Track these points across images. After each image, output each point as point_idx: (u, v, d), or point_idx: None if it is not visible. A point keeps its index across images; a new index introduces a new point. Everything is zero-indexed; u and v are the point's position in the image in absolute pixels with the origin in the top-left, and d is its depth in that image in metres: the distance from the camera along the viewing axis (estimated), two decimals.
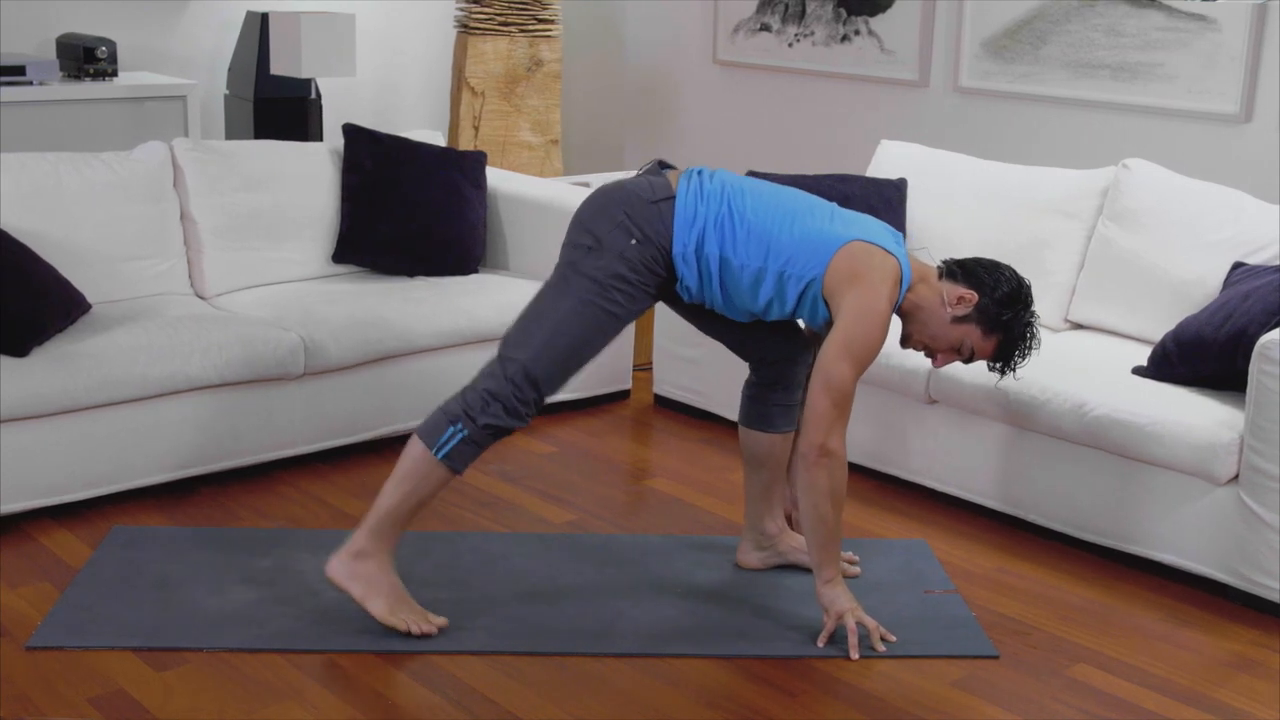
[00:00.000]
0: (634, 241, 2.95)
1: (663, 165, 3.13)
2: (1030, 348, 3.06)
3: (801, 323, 3.33)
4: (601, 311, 2.96)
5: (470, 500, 3.79)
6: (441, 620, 3.03)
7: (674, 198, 2.98)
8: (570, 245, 3.02)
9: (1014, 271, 3.06)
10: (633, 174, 3.15)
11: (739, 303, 3.04)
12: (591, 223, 3.00)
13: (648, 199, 2.99)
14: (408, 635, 2.98)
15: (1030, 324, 3.04)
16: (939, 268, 3.09)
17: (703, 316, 3.22)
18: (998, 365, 3.08)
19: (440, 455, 2.95)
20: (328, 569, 3.02)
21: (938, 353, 3.07)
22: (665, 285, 3.05)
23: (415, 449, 2.98)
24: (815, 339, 3.25)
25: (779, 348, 3.24)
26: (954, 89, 5.13)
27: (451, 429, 2.94)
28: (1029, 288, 3.06)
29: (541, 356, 2.94)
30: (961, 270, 3.05)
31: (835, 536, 2.97)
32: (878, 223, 3.06)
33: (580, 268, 2.97)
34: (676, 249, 2.97)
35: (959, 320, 3.01)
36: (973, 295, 3.00)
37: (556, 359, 2.96)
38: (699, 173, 3.05)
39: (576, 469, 4.09)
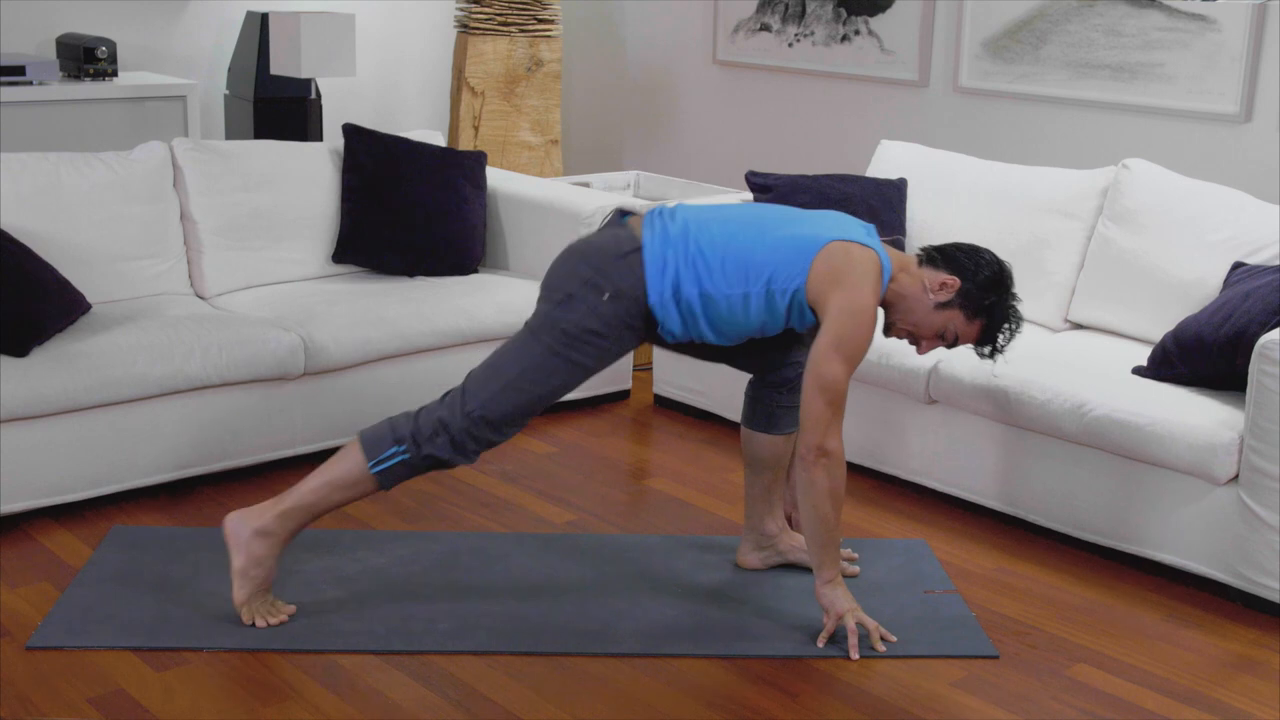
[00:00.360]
0: (606, 297, 2.95)
1: (623, 213, 3.12)
2: (1014, 329, 3.06)
3: None
4: (569, 363, 2.97)
5: (470, 500, 3.79)
6: (291, 608, 3.05)
7: (641, 248, 2.98)
8: (542, 301, 3.03)
9: (994, 255, 3.07)
10: (596, 228, 3.14)
11: (731, 331, 3.03)
12: (562, 281, 3.00)
13: (615, 254, 2.98)
14: (253, 626, 2.99)
15: (1013, 306, 3.05)
16: (918, 255, 3.09)
17: (694, 349, 3.21)
18: (984, 350, 3.08)
19: (375, 470, 2.97)
20: (226, 521, 3.01)
21: (922, 340, 3.07)
22: (644, 334, 3.04)
23: (354, 455, 2.99)
24: (814, 335, 3.25)
25: (779, 353, 3.23)
26: (954, 89, 5.13)
27: (395, 449, 2.96)
28: (1010, 270, 3.06)
29: (502, 401, 2.96)
30: (941, 256, 3.05)
31: (835, 536, 2.98)
32: (847, 217, 3.07)
33: (552, 320, 2.97)
34: (653, 299, 2.96)
35: (942, 306, 3.01)
36: (955, 281, 3.00)
37: (516, 405, 2.97)
38: (660, 214, 3.04)
39: (576, 469, 4.09)
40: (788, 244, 2.96)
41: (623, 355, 3.06)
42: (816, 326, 2.97)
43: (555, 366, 2.97)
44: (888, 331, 3.11)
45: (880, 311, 3.05)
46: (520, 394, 2.96)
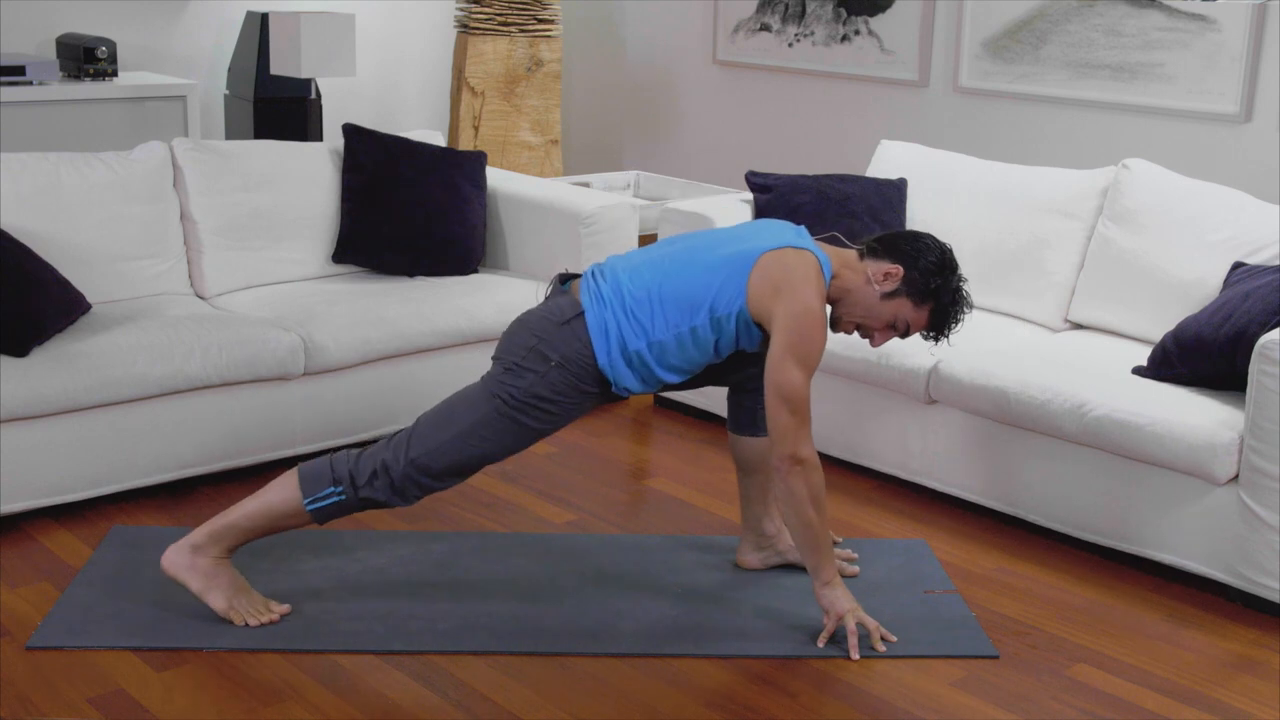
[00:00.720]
0: (553, 364, 2.95)
1: (564, 279, 3.12)
2: (962, 311, 3.05)
3: None
4: (518, 425, 2.97)
5: (470, 500, 3.79)
6: (284, 607, 3.04)
7: (582, 313, 2.98)
8: (495, 362, 3.03)
9: (935, 239, 3.06)
10: (542, 298, 3.15)
11: (688, 367, 3.04)
12: (508, 352, 3.00)
13: (558, 321, 2.98)
14: (245, 626, 2.99)
15: (959, 288, 3.04)
16: (859, 249, 3.08)
17: (664, 385, 3.19)
18: (932, 334, 3.08)
19: (310, 507, 2.98)
20: (163, 560, 3.02)
21: (874, 331, 3.06)
22: (599, 396, 3.04)
23: (289, 487, 2.99)
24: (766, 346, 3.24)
25: (747, 359, 3.21)
26: (954, 89, 5.13)
27: (331, 490, 2.97)
28: (951, 252, 3.06)
29: (448, 453, 2.96)
30: (882, 246, 3.05)
31: (824, 538, 2.97)
32: (776, 224, 3.06)
33: (503, 384, 2.97)
34: (601, 360, 2.96)
35: (889, 296, 3.01)
36: (898, 269, 3.00)
37: (462, 458, 2.97)
38: (593, 275, 3.04)
39: (576, 469, 4.09)
40: (721, 267, 2.95)
41: (576, 418, 3.05)
42: (766, 340, 2.97)
43: (505, 428, 2.97)
44: (834, 327, 3.09)
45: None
46: (467, 449, 2.97)
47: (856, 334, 3.10)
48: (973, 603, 3.28)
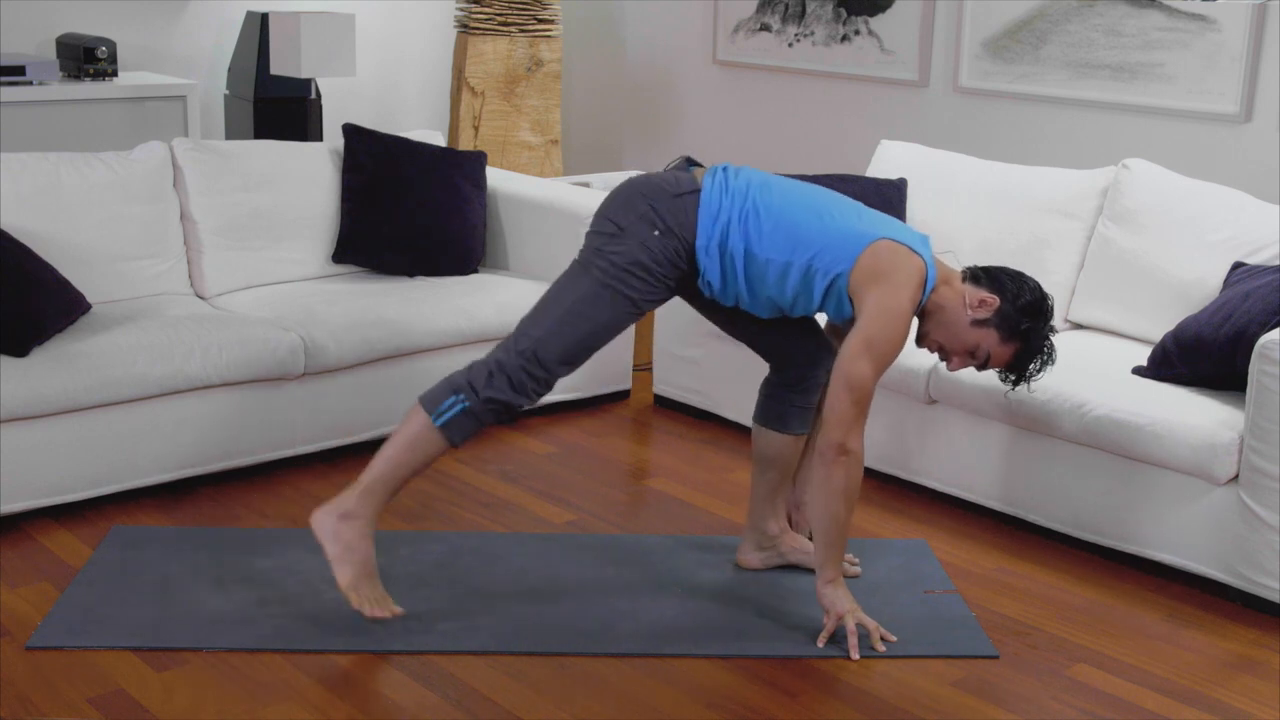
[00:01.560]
0: (657, 233, 2.96)
1: (690, 162, 3.13)
2: (1046, 361, 3.06)
3: (823, 320, 3.33)
4: (619, 296, 2.96)
5: (470, 500, 3.79)
6: (398, 610, 3.01)
7: (699, 191, 2.99)
8: (593, 233, 3.04)
9: (1039, 285, 3.07)
10: (660, 170, 3.15)
11: (764, 296, 3.04)
12: (615, 213, 3.01)
13: (672, 192, 3.00)
14: (359, 614, 2.97)
15: (1048, 338, 3.05)
16: (963, 272, 3.09)
17: (724, 314, 3.21)
18: (1010, 376, 3.08)
19: (439, 423, 2.94)
20: (313, 519, 3.00)
21: (953, 355, 3.07)
22: (686, 280, 3.05)
23: (416, 415, 2.98)
24: (838, 336, 3.25)
25: (801, 350, 3.23)
26: (954, 89, 5.13)
27: (453, 398, 2.94)
28: (1052, 303, 3.07)
29: (555, 336, 2.95)
30: (985, 275, 3.06)
31: (843, 536, 2.98)
32: (905, 225, 3.08)
33: (602, 252, 2.98)
34: (700, 242, 2.97)
35: (978, 324, 3.02)
36: (994, 300, 3.01)
37: (570, 340, 2.96)
38: (724, 169, 3.06)
39: (576, 469, 4.09)
40: (842, 231, 2.96)
41: (667, 297, 3.05)
42: (851, 322, 2.97)
43: (604, 299, 2.96)
44: (920, 341, 3.10)
45: (916, 320, 3.06)
46: (572, 328, 2.96)
47: (937, 355, 3.11)
48: (973, 603, 3.28)
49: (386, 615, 2.99)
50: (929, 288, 2.99)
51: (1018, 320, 3.01)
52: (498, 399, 2.95)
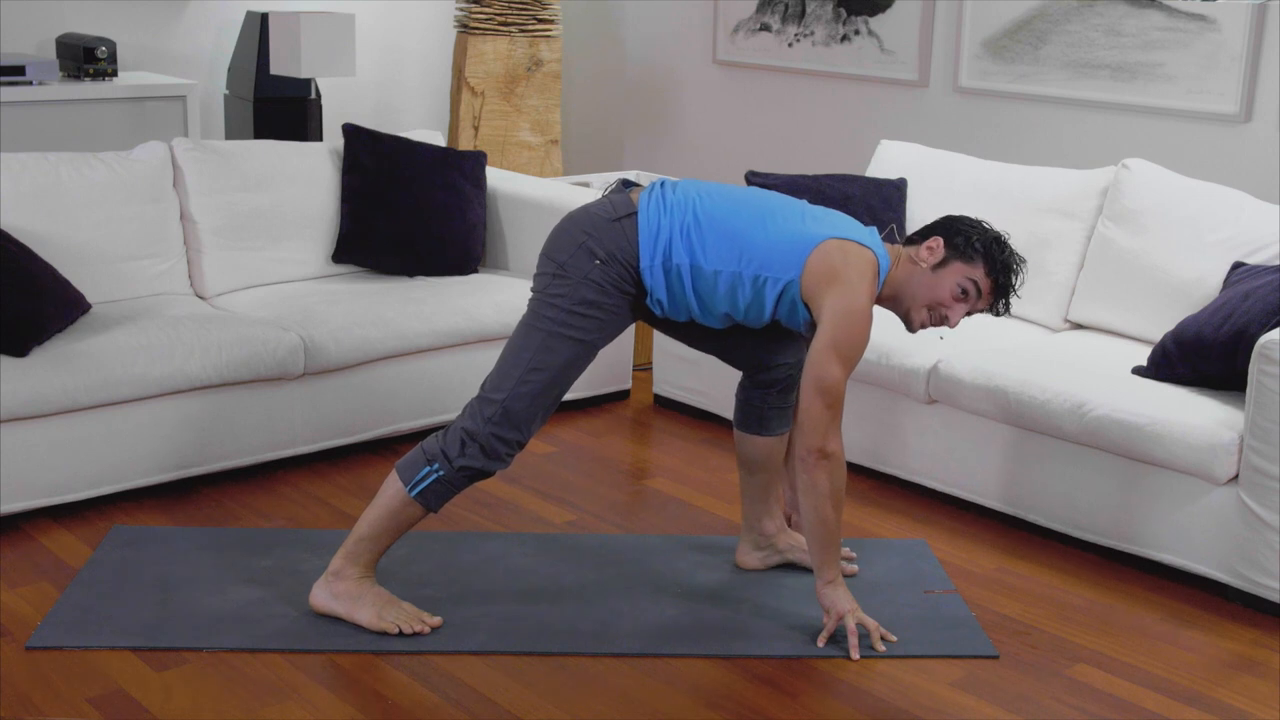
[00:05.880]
0: (598, 263, 2.95)
1: (626, 184, 3.12)
2: (1014, 258, 3.02)
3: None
4: (572, 341, 2.96)
5: (470, 500, 3.79)
6: (435, 620, 3.03)
7: (636, 214, 2.98)
8: (537, 276, 3.03)
9: (964, 215, 3.09)
10: (601, 195, 3.14)
11: (716, 309, 3.03)
12: (554, 251, 3.00)
13: (609, 218, 2.98)
14: (400, 635, 2.99)
15: (999, 237, 3.03)
16: (900, 245, 3.11)
17: (681, 330, 3.21)
18: (1001, 297, 3.03)
19: (414, 493, 2.97)
20: (311, 601, 3.06)
21: (944, 309, 3.03)
22: (638, 303, 3.04)
23: (393, 483, 3.00)
24: (812, 331, 3.25)
25: (770, 352, 3.23)
26: (954, 89, 5.13)
27: (428, 469, 2.96)
28: (982, 220, 3.08)
29: (519, 398, 2.95)
30: (917, 233, 3.08)
31: (836, 537, 2.98)
32: (851, 220, 3.06)
33: (547, 299, 2.97)
34: (644, 263, 2.96)
35: (939, 266, 3.00)
36: (937, 239, 3.02)
37: (533, 397, 2.96)
38: (662, 184, 3.04)
39: (576, 469, 4.09)
40: (787, 236, 2.95)
41: (623, 326, 3.05)
42: (813, 325, 2.97)
43: (559, 348, 2.95)
44: (909, 326, 3.08)
45: (895, 314, 3.06)
46: (533, 384, 2.95)
47: (934, 325, 3.06)
48: (973, 603, 3.28)
49: (427, 630, 3.01)
50: (883, 276, 2.99)
51: (967, 238, 3.00)
52: (471, 466, 2.96)
